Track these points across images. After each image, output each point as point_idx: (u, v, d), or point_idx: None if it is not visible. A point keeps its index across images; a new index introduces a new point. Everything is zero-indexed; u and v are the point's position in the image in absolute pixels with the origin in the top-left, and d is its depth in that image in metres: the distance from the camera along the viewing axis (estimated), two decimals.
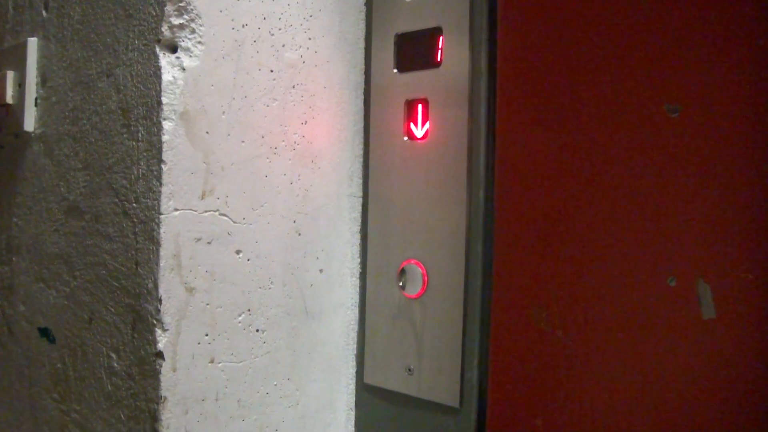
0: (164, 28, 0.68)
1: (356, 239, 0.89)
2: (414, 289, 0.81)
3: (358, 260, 0.89)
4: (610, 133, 0.67)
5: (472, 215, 0.78)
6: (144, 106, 0.69)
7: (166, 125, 0.68)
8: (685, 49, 0.63)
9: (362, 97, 0.89)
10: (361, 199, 0.89)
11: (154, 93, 0.68)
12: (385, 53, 0.85)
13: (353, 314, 0.89)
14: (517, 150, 0.74)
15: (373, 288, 0.87)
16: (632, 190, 0.66)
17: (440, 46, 0.80)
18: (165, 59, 0.68)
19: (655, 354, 0.64)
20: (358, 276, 0.89)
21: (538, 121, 0.72)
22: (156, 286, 0.68)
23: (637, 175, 0.66)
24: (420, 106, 0.82)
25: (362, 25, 0.88)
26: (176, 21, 0.68)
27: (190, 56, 0.69)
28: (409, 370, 0.82)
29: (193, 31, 0.70)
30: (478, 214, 0.77)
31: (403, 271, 0.81)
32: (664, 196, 0.64)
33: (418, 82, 0.82)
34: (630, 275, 0.66)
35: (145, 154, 0.69)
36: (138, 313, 0.70)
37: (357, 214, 0.89)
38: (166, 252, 0.68)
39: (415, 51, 0.83)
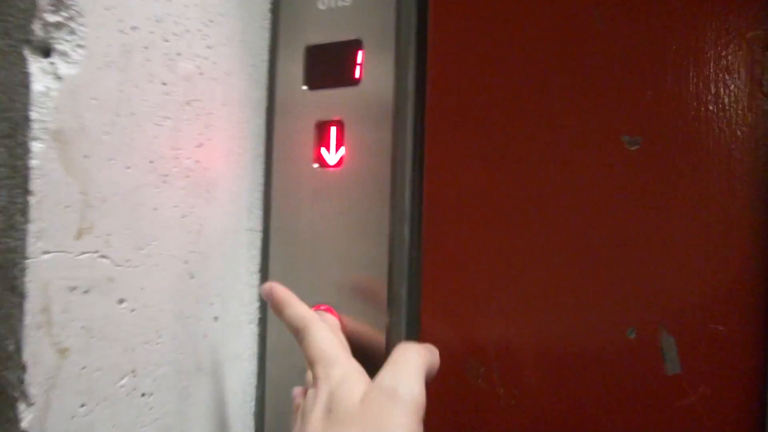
0: (36, 26, 0.54)
1: (255, 280, 0.77)
2: None
3: (257, 304, 0.77)
4: (558, 166, 0.60)
5: (395, 255, 0.68)
6: (7, 122, 0.55)
7: (36, 147, 0.54)
8: (647, 71, 0.57)
9: (265, 116, 0.77)
10: (260, 234, 0.77)
11: (20, 106, 0.54)
12: (294, 67, 0.75)
13: (251, 366, 0.77)
14: (450, 182, 0.65)
15: (275, 336, 0.75)
16: (585, 232, 0.59)
17: (359, 62, 0.71)
18: (36, 64, 0.54)
19: (614, 413, 0.58)
20: (256, 323, 0.77)
21: (474, 151, 0.64)
22: (19, 350, 0.54)
23: (591, 216, 0.59)
24: (334, 129, 0.72)
25: (267, 35, 0.77)
26: (52, 18, 0.55)
27: (68, 62, 0.56)
28: None
29: (72, 32, 0.56)
30: (403, 254, 0.68)
31: None
32: (622, 239, 0.58)
33: (332, 101, 0.72)
34: (583, 326, 0.59)
35: (7, 182, 0.55)
36: None
37: (256, 251, 0.77)
38: (32, 306, 0.54)
39: (330, 66, 0.73)
